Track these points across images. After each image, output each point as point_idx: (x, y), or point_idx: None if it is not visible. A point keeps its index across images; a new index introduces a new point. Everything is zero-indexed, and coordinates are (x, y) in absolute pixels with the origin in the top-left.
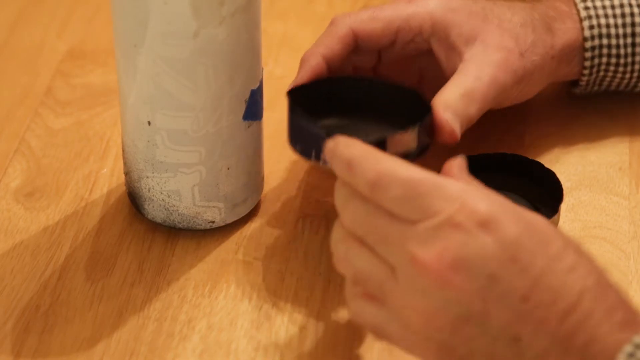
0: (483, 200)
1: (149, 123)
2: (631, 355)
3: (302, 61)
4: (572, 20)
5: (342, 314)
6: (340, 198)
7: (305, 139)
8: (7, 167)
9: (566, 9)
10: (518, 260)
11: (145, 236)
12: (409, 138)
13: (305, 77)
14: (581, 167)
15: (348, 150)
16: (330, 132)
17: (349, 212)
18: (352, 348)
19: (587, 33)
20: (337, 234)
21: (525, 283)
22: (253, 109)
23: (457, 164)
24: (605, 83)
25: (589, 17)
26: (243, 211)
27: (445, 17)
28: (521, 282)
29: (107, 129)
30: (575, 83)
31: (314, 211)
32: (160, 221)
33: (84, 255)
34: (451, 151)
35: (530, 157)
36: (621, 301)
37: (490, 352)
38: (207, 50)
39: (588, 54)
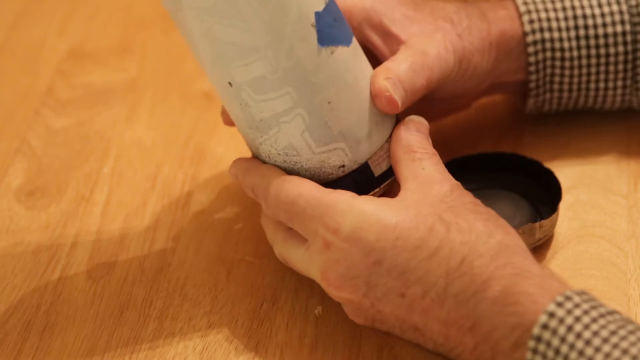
0: (345, 215)
1: (230, 84)
2: (545, 326)
3: None
4: (506, 11)
5: (342, 313)
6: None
7: None
8: (9, 167)
9: (498, 0)
10: (382, 262)
11: (146, 235)
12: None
13: None
14: (580, 166)
15: (245, 178)
16: None
17: (267, 229)
18: (352, 347)
19: (527, 28)
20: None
21: (396, 282)
22: (328, 32)
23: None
24: (556, 86)
25: (529, 11)
26: (371, 147)
27: (375, 5)
28: (393, 281)
29: (108, 129)
30: (525, 96)
31: None
32: None
33: (84, 254)
34: (450, 151)
35: (529, 156)
36: (504, 265)
37: (406, 337)
38: None
39: (531, 49)
